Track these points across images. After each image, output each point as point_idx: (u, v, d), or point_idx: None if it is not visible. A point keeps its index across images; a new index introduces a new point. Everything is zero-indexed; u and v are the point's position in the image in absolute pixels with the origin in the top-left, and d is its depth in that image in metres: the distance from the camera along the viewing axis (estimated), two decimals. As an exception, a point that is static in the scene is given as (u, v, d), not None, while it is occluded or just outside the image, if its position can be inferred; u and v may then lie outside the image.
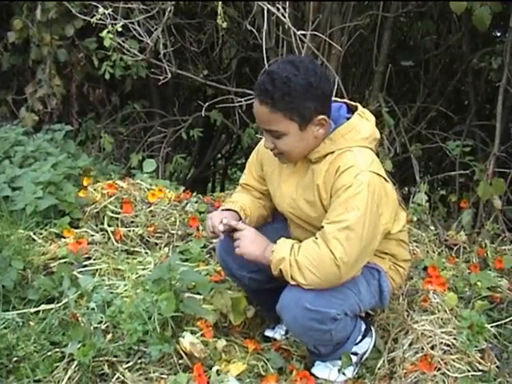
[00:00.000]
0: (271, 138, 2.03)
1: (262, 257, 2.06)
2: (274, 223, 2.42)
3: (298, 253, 1.99)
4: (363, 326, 2.31)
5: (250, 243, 2.09)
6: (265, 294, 2.40)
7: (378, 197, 1.98)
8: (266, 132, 2.04)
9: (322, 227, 1.99)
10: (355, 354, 2.28)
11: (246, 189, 2.40)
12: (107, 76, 4.07)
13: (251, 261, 2.10)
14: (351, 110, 2.13)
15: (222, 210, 2.28)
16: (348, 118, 2.09)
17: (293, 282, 2.01)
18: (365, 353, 2.32)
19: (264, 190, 2.36)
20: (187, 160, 5.26)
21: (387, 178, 2.09)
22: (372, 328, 2.37)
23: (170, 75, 3.80)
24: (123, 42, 3.78)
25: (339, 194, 1.97)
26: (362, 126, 2.07)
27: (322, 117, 1.99)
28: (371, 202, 1.96)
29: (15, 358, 2.12)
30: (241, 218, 2.24)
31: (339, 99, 2.19)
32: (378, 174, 2.01)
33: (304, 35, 3.23)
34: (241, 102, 3.61)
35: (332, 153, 2.04)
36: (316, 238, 2.00)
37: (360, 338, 2.29)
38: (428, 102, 4.47)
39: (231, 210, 2.26)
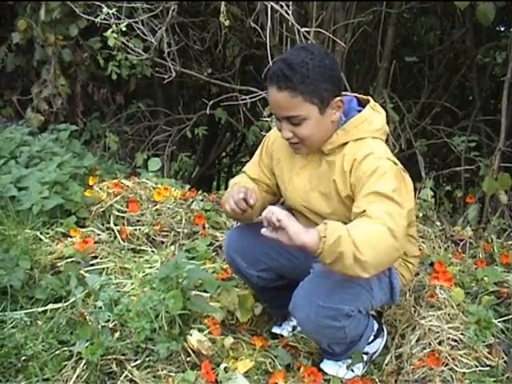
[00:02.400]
0: (290, 126, 2.01)
1: (312, 240, 1.79)
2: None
3: (351, 232, 1.80)
4: (376, 326, 2.31)
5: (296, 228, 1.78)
6: (272, 292, 2.40)
7: (398, 183, 1.98)
8: (284, 120, 2.02)
9: (363, 212, 1.88)
10: (366, 353, 2.28)
11: (253, 180, 2.36)
12: (114, 76, 4.08)
13: (291, 246, 1.82)
14: (362, 104, 2.14)
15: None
16: (359, 111, 2.10)
17: (350, 267, 1.80)
18: (375, 352, 2.32)
19: (272, 184, 2.35)
20: (192, 158, 5.26)
21: (404, 170, 2.10)
22: (384, 329, 2.36)
23: (174, 74, 3.80)
24: (127, 41, 3.79)
25: (364, 181, 1.94)
26: (374, 117, 2.08)
27: (338, 98, 2.00)
28: (398, 182, 1.96)
29: (24, 357, 2.12)
30: None
31: (349, 93, 2.19)
32: (395, 163, 2.02)
33: (308, 32, 3.23)
34: (245, 99, 3.61)
35: (345, 144, 2.04)
36: (361, 217, 1.88)
37: (372, 337, 2.29)
38: (432, 97, 4.46)
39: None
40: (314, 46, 2.07)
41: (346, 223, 2.07)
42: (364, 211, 1.88)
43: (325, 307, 1.98)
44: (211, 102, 3.94)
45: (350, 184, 2.02)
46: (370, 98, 2.16)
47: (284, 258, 2.33)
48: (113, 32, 3.56)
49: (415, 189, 2.44)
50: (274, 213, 1.77)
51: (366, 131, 2.05)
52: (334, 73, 2.00)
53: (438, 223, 3.30)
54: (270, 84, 1.99)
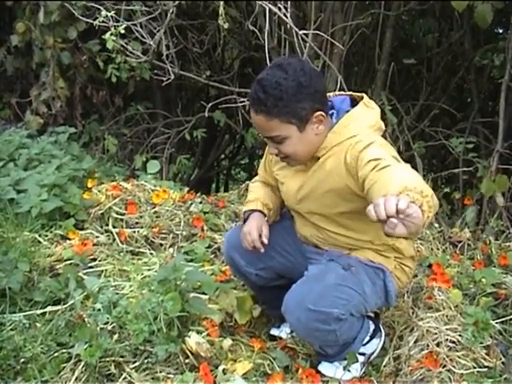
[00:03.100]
0: (273, 143, 2.03)
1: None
2: (282, 222, 2.42)
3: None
4: (372, 327, 2.31)
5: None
6: (271, 292, 2.40)
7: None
8: (267, 139, 2.04)
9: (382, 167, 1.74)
10: (363, 354, 2.27)
11: (264, 182, 2.43)
12: (114, 79, 4.08)
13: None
14: (357, 103, 2.10)
15: (246, 211, 2.33)
16: (349, 111, 2.06)
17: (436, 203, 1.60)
18: (372, 353, 2.31)
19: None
20: (191, 161, 5.26)
21: None
22: (382, 329, 2.36)
23: (172, 76, 3.81)
24: (126, 43, 3.79)
25: (363, 154, 1.86)
26: (366, 114, 2.05)
27: (318, 113, 1.98)
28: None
29: (22, 360, 2.13)
30: (265, 215, 2.29)
31: (344, 92, 2.18)
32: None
33: (306, 34, 3.23)
34: (244, 102, 3.61)
35: (338, 144, 2.00)
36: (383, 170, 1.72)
37: (368, 338, 2.28)
38: (431, 99, 4.47)
39: (255, 210, 2.29)
40: (289, 64, 1.98)
41: (340, 219, 2.07)
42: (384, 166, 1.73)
43: (315, 311, 1.98)
44: (210, 104, 3.95)
45: (345, 169, 1.95)
46: (364, 94, 2.12)
47: (282, 257, 2.34)
48: (111, 35, 3.57)
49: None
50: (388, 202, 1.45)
51: (357, 129, 2.00)
52: (310, 89, 1.95)
53: (436, 225, 3.31)
54: (250, 105, 2.02)
